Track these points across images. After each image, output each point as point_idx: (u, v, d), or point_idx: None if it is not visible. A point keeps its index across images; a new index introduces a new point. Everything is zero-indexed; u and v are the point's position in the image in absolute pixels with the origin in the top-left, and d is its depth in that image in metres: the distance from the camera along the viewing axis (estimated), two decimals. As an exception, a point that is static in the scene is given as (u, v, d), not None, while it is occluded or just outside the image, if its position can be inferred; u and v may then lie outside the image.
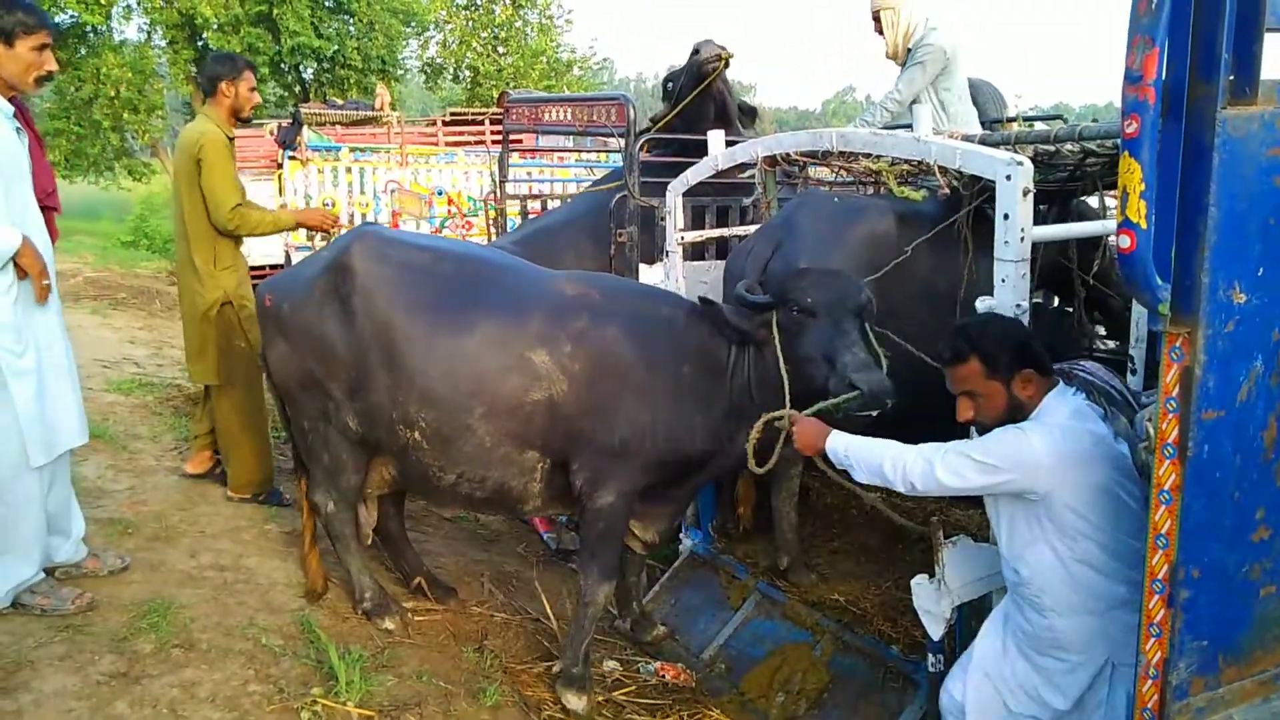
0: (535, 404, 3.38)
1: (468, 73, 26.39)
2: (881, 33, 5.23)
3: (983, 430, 2.62)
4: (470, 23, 26.01)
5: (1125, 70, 1.73)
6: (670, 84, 5.96)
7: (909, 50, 5.18)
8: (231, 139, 4.50)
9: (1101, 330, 5.21)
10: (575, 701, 3.43)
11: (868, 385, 3.02)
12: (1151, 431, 1.97)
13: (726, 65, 5.63)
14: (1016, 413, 2.52)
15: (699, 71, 5.65)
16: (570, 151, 11.09)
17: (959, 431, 2.89)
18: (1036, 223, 3.21)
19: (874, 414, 3.05)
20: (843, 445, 2.79)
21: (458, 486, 3.53)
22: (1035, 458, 2.36)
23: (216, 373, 4.51)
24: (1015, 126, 5.71)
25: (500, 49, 26.40)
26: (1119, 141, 1.89)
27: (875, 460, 2.66)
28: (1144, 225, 1.76)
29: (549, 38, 26.70)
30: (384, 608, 3.77)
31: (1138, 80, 1.71)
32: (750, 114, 6.18)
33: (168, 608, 3.34)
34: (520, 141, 8.67)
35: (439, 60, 26.72)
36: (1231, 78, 1.81)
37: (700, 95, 5.60)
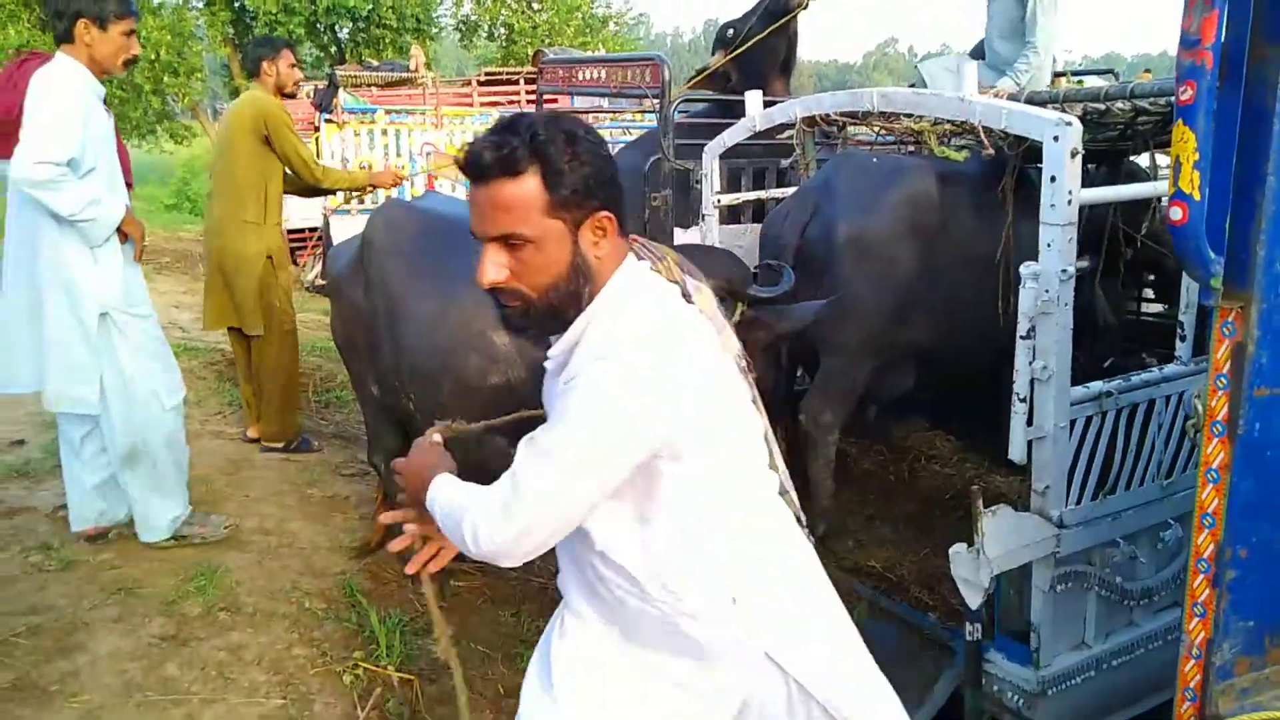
0: (494, 388, 3.15)
1: (503, 30, 26.16)
2: None
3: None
4: (505, -22, 25.72)
5: (1181, 34, 1.65)
6: (732, 31, 5.83)
7: None
8: None
9: (1150, 294, 5.09)
10: None
11: None
12: (1200, 408, 1.91)
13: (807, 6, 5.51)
14: (577, 285, 1.56)
15: (783, 6, 5.47)
16: (606, 113, 10.97)
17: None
18: (1084, 184, 3.12)
19: None
20: (443, 496, 1.70)
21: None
22: (645, 413, 1.45)
23: (258, 322, 4.77)
24: (1064, 82, 5.54)
25: (535, 5, 26.10)
26: (1172, 100, 1.81)
27: (456, 516, 1.60)
28: (1197, 196, 1.69)
29: (584, -8, 26.35)
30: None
31: (1195, 45, 1.63)
32: None
33: (214, 572, 3.43)
34: (555, 102, 8.59)
35: (474, 18, 26.51)
36: (1293, 38, 1.72)
37: (775, 34, 5.49)
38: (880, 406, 4.40)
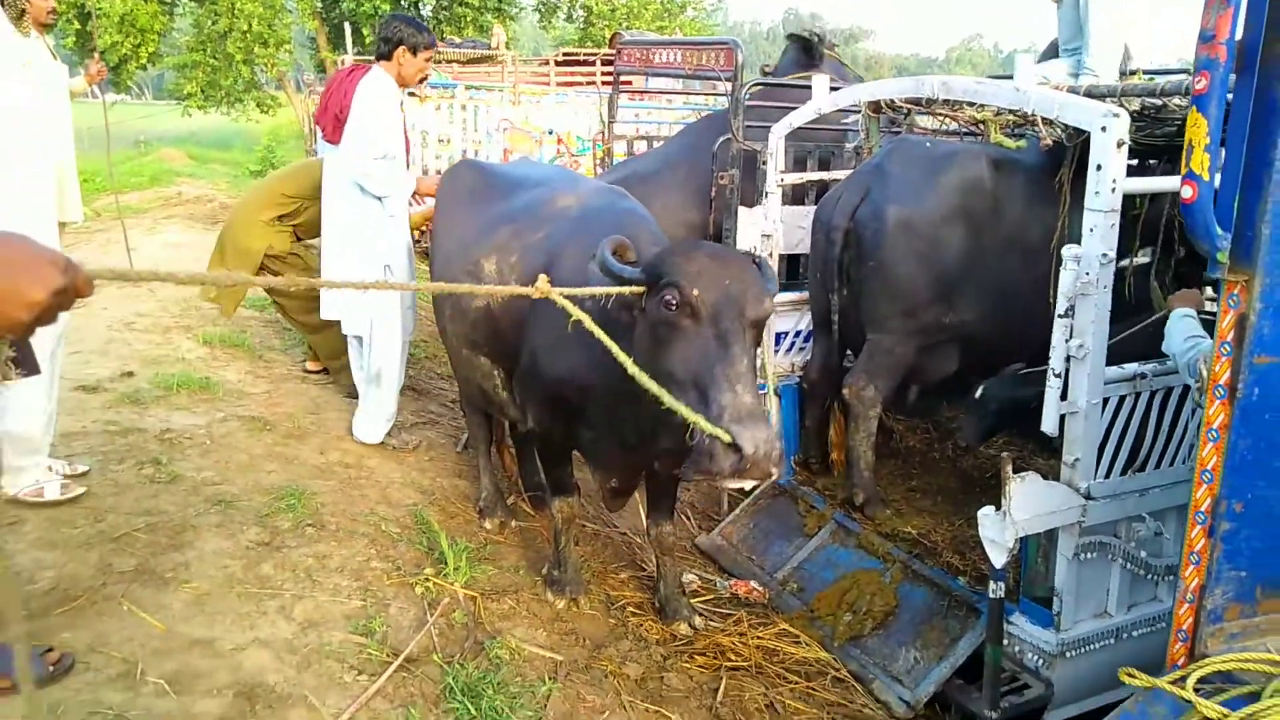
0: (478, 310, 3.52)
1: (581, 12, 26.48)
2: None
3: None
4: (585, -39, 25.98)
5: (1200, 30, 1.84)
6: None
7: None
8: None
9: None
10: (554, 599, 3.55)
11: (753, 446, 2.27)
12: (1205, 373, 2.10)
13: None
14: None
15: None
16: (679, 94, 11.18)
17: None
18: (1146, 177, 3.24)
19: (744, 487, 2.40)
20: None
21: (469, 388, 4.01)
22: None
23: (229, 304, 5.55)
24: (1136, 79, 5.61)
25: (615, -13, 26.37)
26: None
27: None
28: (1206, 177, 1.88)
29: (663, -23, 26.49)
30: (491, 510, 4.17)
31: (1210, 39, 1.82)
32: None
33: (301, 494, 3.78)
34: (630, 83, 8.85)
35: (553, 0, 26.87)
36: (1310, 36, 1.89)
37: None
38: (924, 388, 4.57)
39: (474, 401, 4.22)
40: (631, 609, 3.75)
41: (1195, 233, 1.96)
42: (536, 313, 3.24)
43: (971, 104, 3.88)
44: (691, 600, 3.92)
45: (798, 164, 5.30)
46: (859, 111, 4.74)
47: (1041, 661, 3.35)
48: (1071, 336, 3.09)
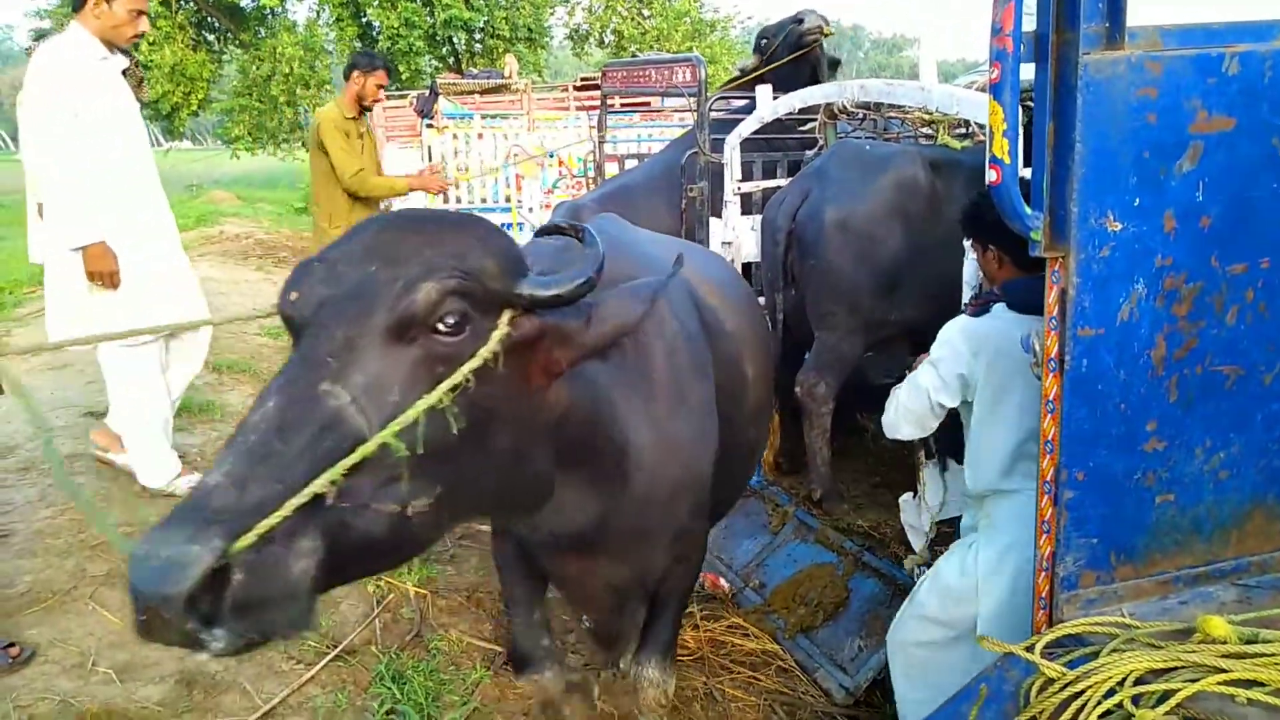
0: None
1: (612, 37, 26.93)
2: None
3: None
4: (615, -14, 26.45)
5: (991, 24, 1.96)
6: (764, 40, 6.20)
7: None
8: (351, 118, 5.31)
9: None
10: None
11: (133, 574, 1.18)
12: (1038, 348, 2.19)
13: (822, 39, 5.89)
14: None
15: (798, 41, 5.88)
16: (690, 111, 11.38)
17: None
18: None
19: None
20: None
21: None
22: None
23: None
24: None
25: (645, 11, 26.77)
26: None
27: None
28: (1008, 160, 1.98)
29: (692, -2, 26.86)
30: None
31: (999, 32, 1.93)
32: (834, 65, 6.37)
33: (278, 503, 4.02)
34: (612, 105, 9.09)
35: (584, 27, 27.38)
36: (1107, 25, 1.99)
37: (795, 61, 5.91)
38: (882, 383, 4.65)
39: None
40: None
41: (1005, 213, 2.06)
42: None
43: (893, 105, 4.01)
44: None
45: (767, 173, 5.43)
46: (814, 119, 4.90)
47: (976, 645, 3.40)
48: (980, 324, 3.16)
